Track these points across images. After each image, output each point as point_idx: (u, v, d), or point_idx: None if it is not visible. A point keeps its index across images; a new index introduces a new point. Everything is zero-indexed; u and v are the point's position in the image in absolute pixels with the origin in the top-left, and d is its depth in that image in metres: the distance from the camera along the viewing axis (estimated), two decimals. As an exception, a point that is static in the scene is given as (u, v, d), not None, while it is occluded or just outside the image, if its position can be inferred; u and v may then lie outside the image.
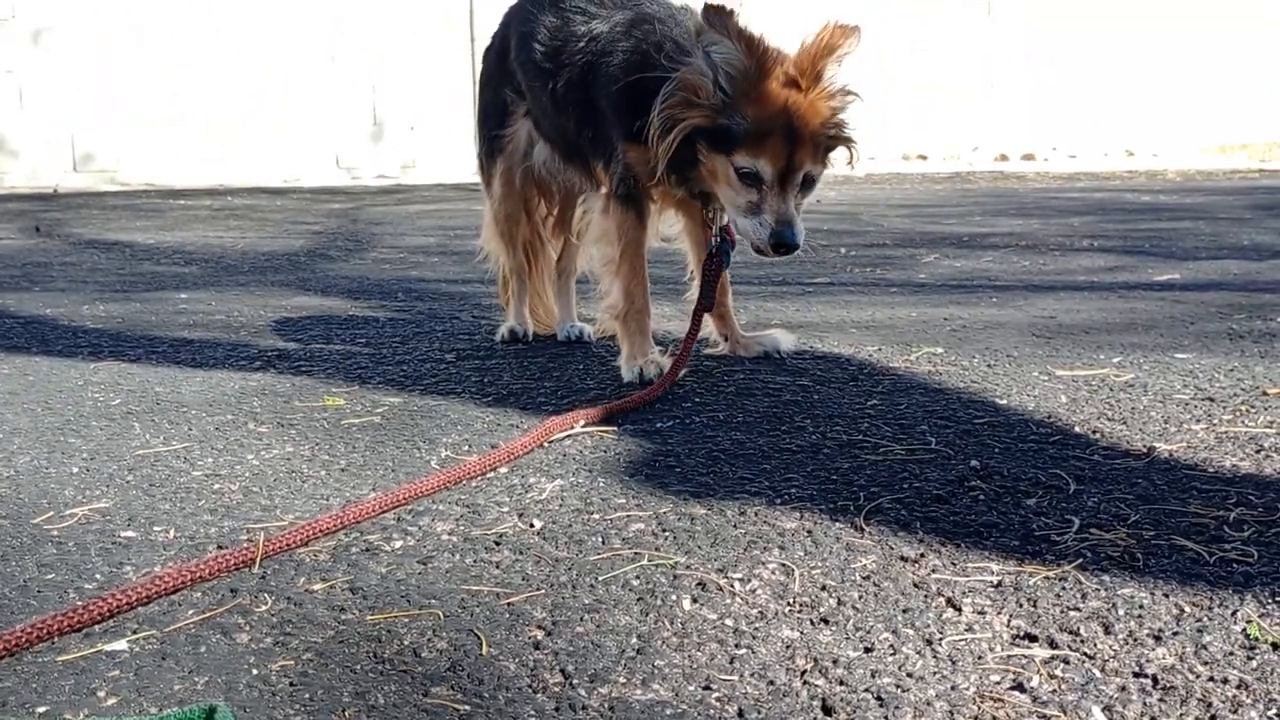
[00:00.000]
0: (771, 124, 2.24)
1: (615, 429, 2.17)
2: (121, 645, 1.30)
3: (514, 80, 2.82)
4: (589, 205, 2.63)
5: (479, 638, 1.32)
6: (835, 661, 1.25)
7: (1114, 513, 1.67)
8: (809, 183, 2.33)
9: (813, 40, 2.27)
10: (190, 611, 1.39)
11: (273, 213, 7.47)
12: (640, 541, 1.60)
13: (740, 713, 1.15)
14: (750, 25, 2.31)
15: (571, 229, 2.97)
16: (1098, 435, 2.06)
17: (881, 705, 1.16)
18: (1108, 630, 1.31)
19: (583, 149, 2.63)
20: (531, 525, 1.67)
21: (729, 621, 1.35)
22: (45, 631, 1.30)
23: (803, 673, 1.23)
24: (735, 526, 1.65)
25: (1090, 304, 3.49)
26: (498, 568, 1.52)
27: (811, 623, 1.35)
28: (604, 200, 2.56)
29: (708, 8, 2.23)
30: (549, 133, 2.78)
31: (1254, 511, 1.66)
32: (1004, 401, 2.31)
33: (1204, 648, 1.27)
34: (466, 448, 2.07)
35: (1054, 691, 1.18)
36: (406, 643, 1.31)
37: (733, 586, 1.45)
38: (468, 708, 1.17)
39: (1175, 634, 1.30)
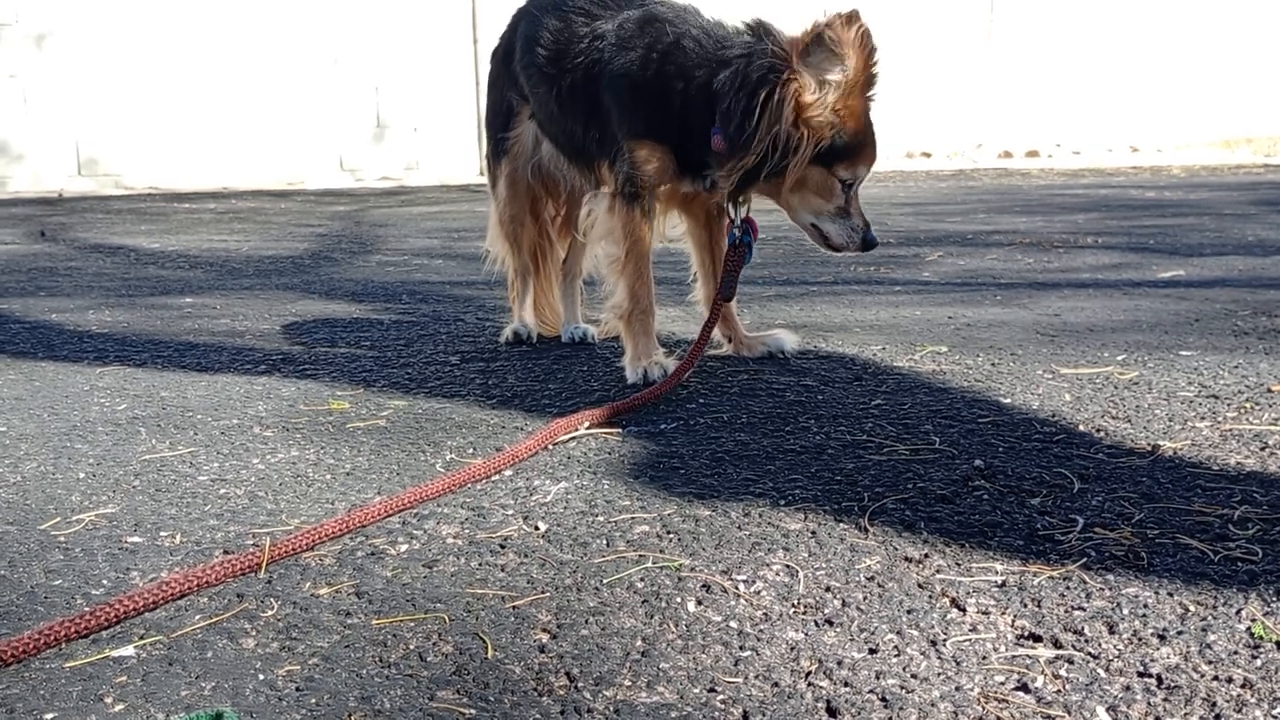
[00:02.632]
0: (864, 133, 2.37)
1: (620, 431, 2.17)
2: (129, 651, 1.31)
3: (518, 83, 2.82)
4: (594, 204, 2.63)
5: (484, 641, 1.32)
6: (840, 663, 1.25)
7: (1118, 511, 1.67)
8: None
9: (855, 42, 2.26)
10: (197, 617, 1.40)
11: (277, 215, 7.48)
12: (645, 544, 1.61)
13: (745, 715, 1.16)
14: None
15: (578, 228, 2.97)
16: (1102, 434, 2.06)
17: (886, 706, 1.16)
18: (1112, 630, 1.31)
19: (588, 149, 2.63)
20: (536, 528, 1.68)
21: (734, 623, 1.36)
22: (53, 637, 1.31)
23: (807, 674, 1.23)
24: (739, 528, 1.65)
25: (1094, 302, 3.49)
26: (503, 571, 1.52)
27: (816, 624, 1.35)
28: (609, 199, 2.56)
29: (838, 15, 2.26)
30: (554, 134, 2.78)
31: (1259, 509, 1.66)
32: (1008, 400, 2.31)
33: (1208, 647, 1.27)
34: (471, 451, 2.08)
35: (1058, 692, 1.18)
36: (412, 646, 1.31)
37: (737, 588, 1.45)
38: (474, 711, 1.17)
39: (1180, 633, 1.30)
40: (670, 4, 2.54)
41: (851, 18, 2.24)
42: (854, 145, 2.34)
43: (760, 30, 2.34)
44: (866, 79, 2.30)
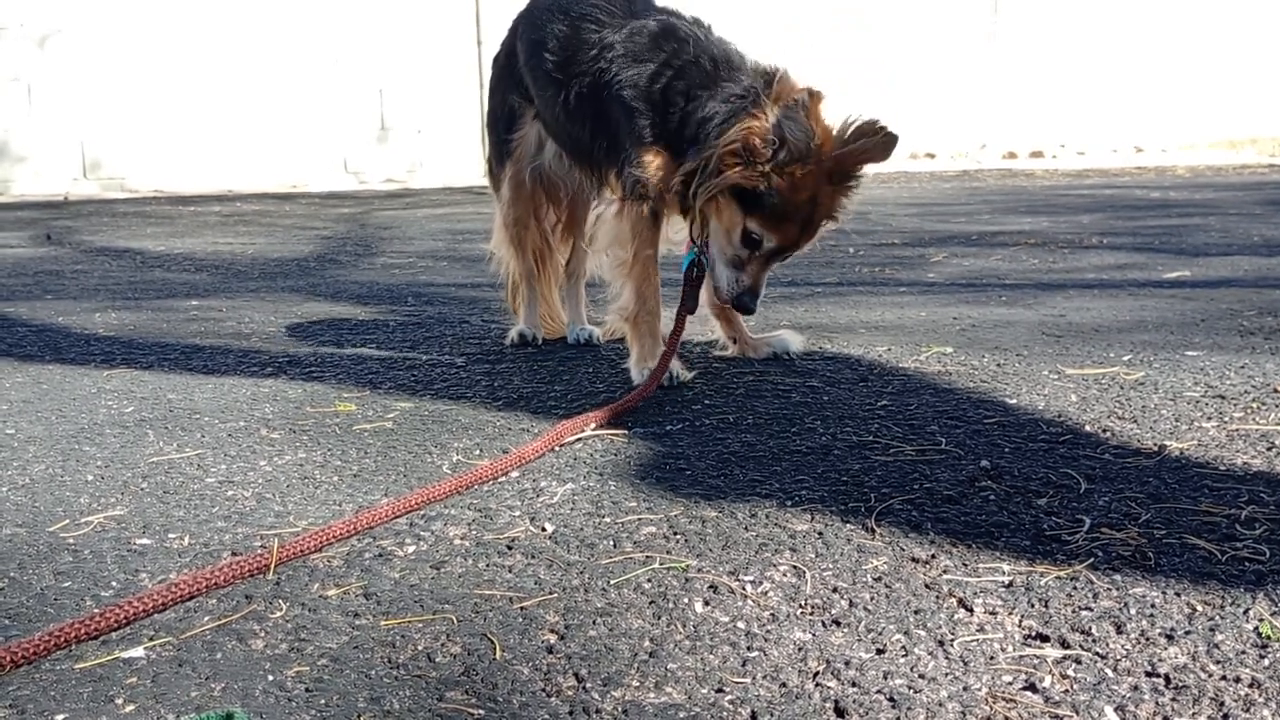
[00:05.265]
0: (796, 210, 2.35)
1: (626, 432, 2.17)
2: (138, 652, 1.31)
3: (522, 85, 2.83)
4: (602, 210, 2.65)
5: (492, 642, 1.33)
6: (847, 663, 1.26)
7: (1125, 512, 1.67)
8: (789, 254, 2.48)
9: (858, 138, 2.30)
10: (206, 618, 1.40)
11: (281, 218, 7.49)
12: (652, 545, 1.61)
13: (753, 715, 1.16)
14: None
15: (583, 232, 2.98)
16: (1108, 434, 2.06)
17: (894, 706, 1.16)
18: (1119, 630, 1.31)
19: (595, 155, 2.65)
20: (543, 529, 1.68)
21: (741, 624, 1.36)
22: (63, 639, 1.32)
23: (815, 674, 1.23)
24: (746, 529, 1.65)
25: (1100, 302, 3.48)
26: (510, 572, 1.53)
27: (823, 624, 1.35)
28: (618, 204, 2.59)
29: (806, 91, 2.31)
30: (561, 138, 2.79)
31: (1266, 509, 1.66)
32: (1014, 401, 2.31)
33: (1216, 646, 1.27)
34: (478, 452, 2.08)
35: (1066, 691, 1.19)
36: (420, 648, 1.32)
37: (744, 589, 1.45)
38: (482, 712, 1.17)
39: (1187, 633, 1.30)
40: (685, 20, 2.55)
41: (870, 127, 2.28)
42: (779, 212, 2.33)
43: (773, 78, 2.36)
44: (833, 170, 2.32)
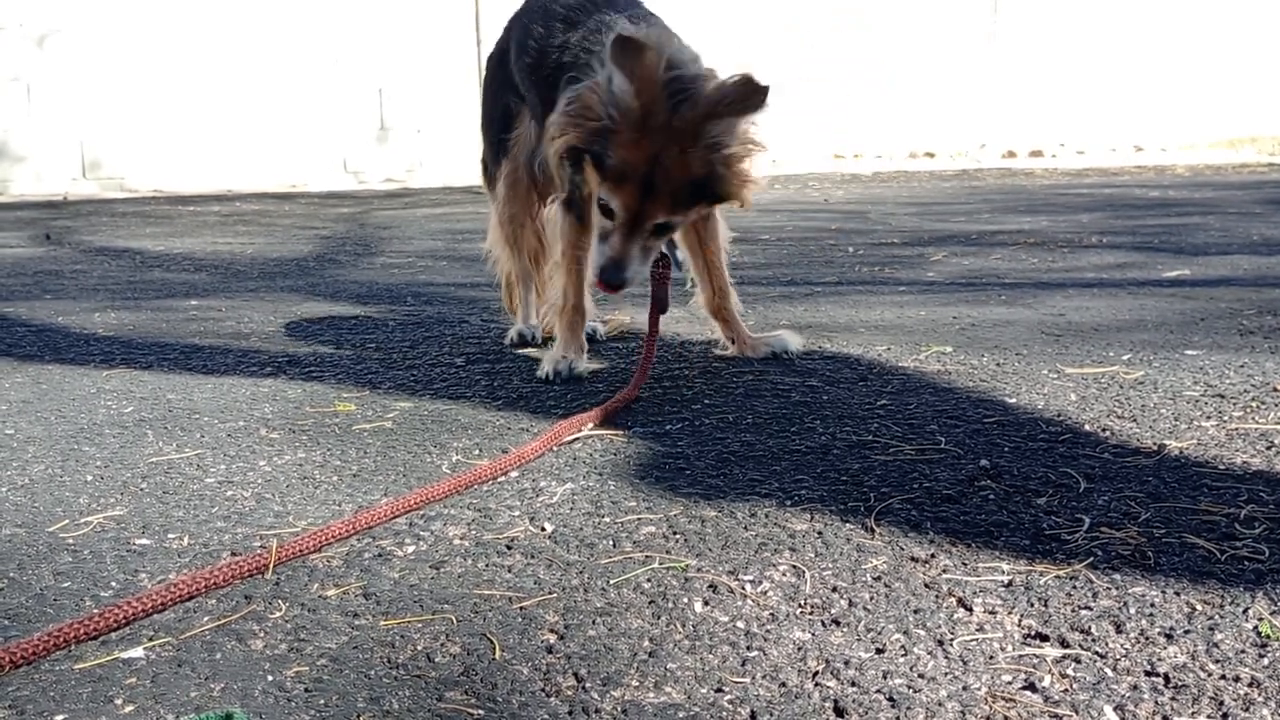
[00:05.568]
0: (634, 171, 2.22)
1: (625, 432, 2.17)
2: (138, 653, 1.31)
3: (515, 85, 2.84)
4: (552, 208, 2.69)
5: (492, 642, 1.33)
6: (847, 663, 1.26)
7: (1124, 511, 1.67)
8: (666, 228, 2.34)
9: (716, 94, 2.19)
10: (205, 618, 1.40)
11: (281, 218, 7.49)
12: (651, 544, 1.61)
13: (753, 715, 1.16)
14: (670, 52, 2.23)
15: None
16: (1108, 433, 2.06)
17: (893, 706, 1.16)
18: (1119, 629, 1.31)
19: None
20: (543, 529, 1.68)
21: (740, 624, 1.36)
22: (62, 640, 1.32)
23: (814, 674, 1.23)
24: (746, 528, 1.65)
25: (1099, 301, 3.49)
26: (510, 572, 1.53)
27: (823, 624, 1.35)
28: (559, 203, 2.63)
29: (617, 38, 2.19)
30: (539, 136, 2.80)
31: (1265, 508, 1.66)
32: (1013, 400, 2.31)
33: (1216, 646, 1.27)
34: (477, 452, 2.08)
35: (1066, 691, 1.19)
36: (420, 648, 1.32)
37: (744, 589, 1.45)
38: (481, 712, 1.17)
39: (1187, 632, 1.30)
40: (634, 12, 2.54)
41: (736, 79, 2.16)
42: (618, 174, 2.23)
43: (617, 58, 2.20)
44: (685, 129, 2.18)
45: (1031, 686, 1.20)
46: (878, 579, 1.47)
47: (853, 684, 1.21)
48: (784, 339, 2.81)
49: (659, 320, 2.61)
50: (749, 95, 2.16)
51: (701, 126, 2.21)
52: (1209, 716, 1.13)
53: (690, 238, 2.75)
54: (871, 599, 1.41)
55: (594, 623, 1.37)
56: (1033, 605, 1.38)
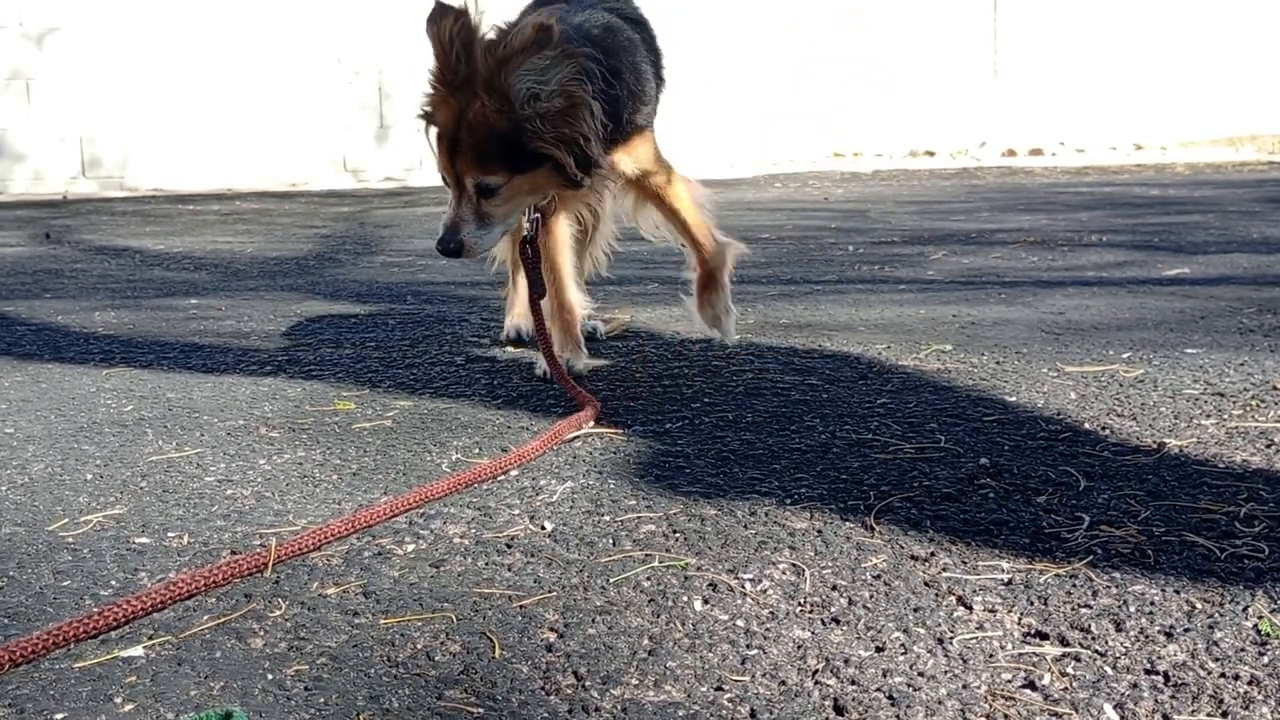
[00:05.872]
0: (444, 130, 2.27)
1: (625, 431, 2.17)
2: (138, 651, 1.31)
3: None
4: None
5: (492, 640, 1.33)
6: (847, 661, 1.26)
7: (1124, 509, 1.67)
8: (489, 191, 2.26)
9: (503, 38, 2.20)
10: (205, 617, 1.40)
11: (281, 217, 7.49)
12: (651, 543, 1.61)
13: (752, 713, 1.16)
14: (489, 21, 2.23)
15: (581, 230, 2.97)
16: (1107, 432, 2.06)
17: (893, 704, 1.16)
18: (1119, 627, 1.31)
19: None
20: (542, 527, 1.68)
21: (740, 622, 1.36)
22: (62, 638, 1.32)
23: (814, 673, 1.23)
24: (745, 527, 1.65)
25: (1099, 300, 3.48)
26: (509, 570, 1.53)
27: (823, 622, 1.35)
28: None
29: (436, 5, 2.23)
30: None
31: (1265, 507, 1.66)
32: (1013, 399, 2.31)
33: (1215, 644, 1.27)
34: (477, 451, 2.08)
35: (1065, 689, 1.19)
36: (420, 646, 1.32)
37: (744, 587, 1.45)
38: (481, 711, 1.17)
39: (1186, 630, 1.30)
40: (628, 12, 2.53)
41: (446, 10, 2.21)
42: (440, 135, 2.28)
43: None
44: (488, 80, 2.18)
45: (1031, 685, 1.20)
46: (877, 577, 1.47)
47: (852, 682, 1.21)
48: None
49: (540, 306, 2.49)
50: (534, 34, 2.13)
51: (496, 76, 2.17)
52: (1209, 714, 1.13)
53: (658, 212, 2.68)
54: (871, 597, 1.41)
55: (594, 621, 1.37)
56: (1032, 603, 1.38)
